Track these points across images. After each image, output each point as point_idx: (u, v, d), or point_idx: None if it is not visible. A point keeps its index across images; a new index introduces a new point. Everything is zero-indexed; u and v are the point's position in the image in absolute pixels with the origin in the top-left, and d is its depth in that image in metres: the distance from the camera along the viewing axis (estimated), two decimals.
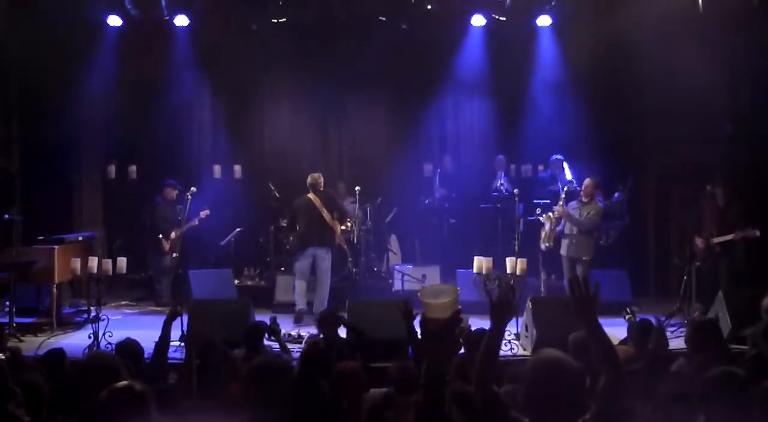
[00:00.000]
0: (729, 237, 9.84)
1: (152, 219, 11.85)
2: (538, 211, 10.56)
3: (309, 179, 10.61)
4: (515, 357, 8.24)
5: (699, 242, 10.23)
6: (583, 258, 10.21)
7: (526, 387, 3.27)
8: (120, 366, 4.36)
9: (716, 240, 9.96)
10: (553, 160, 12.42)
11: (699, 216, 10.44)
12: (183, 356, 8.10)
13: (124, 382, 3.87)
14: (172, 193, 11.85)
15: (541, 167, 13.13)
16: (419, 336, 3.14)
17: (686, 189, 12.09)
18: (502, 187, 12.49)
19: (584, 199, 10.44)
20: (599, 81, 12.33)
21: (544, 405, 3.21)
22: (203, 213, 11.70)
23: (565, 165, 12.19)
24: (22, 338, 8.96)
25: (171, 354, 8.07)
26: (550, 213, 10.49)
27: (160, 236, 11.55)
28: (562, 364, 3.29)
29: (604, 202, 10.92)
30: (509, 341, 8.60)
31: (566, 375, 3.23)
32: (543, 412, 3.20)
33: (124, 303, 11.67)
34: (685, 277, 10.02)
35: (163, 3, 12.11)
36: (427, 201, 12.82)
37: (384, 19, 12.78)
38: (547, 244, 10.49)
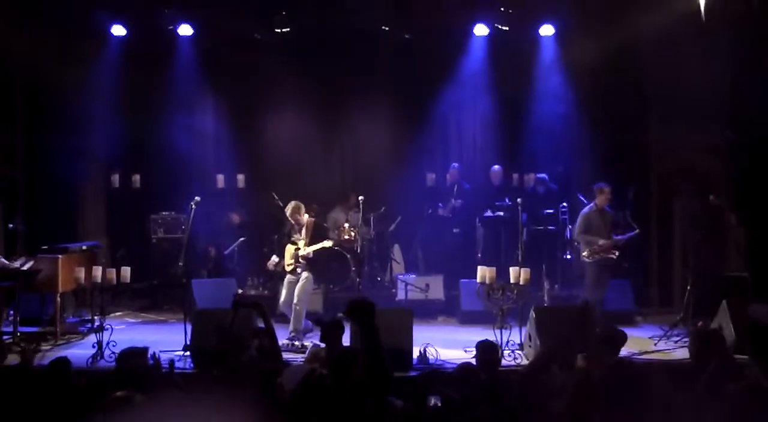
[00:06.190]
0: None
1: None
2: (585, 253, 10.22)
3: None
4: (519, 368, 8.20)
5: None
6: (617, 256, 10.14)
7: None
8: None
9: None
10: (538, 178, 12.52)
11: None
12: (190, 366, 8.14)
13: (123, 392, 3.89)
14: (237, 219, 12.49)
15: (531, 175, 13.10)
16: None
17: (689, 197, 12.09)
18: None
19: (603, 208, 10.27)
20: (602, 89, 12.35)
21: None
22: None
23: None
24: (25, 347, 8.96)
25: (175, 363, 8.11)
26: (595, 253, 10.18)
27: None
28: None
29: (613, 211, 10.81)
30: (513, 351, 8.59)
31: None
32: None
33: (128, 312, 11.70)
34: (688, 287, 10.00)
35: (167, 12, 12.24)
36: (430, 210, 12.81)
37: (387, 28, 12.82)
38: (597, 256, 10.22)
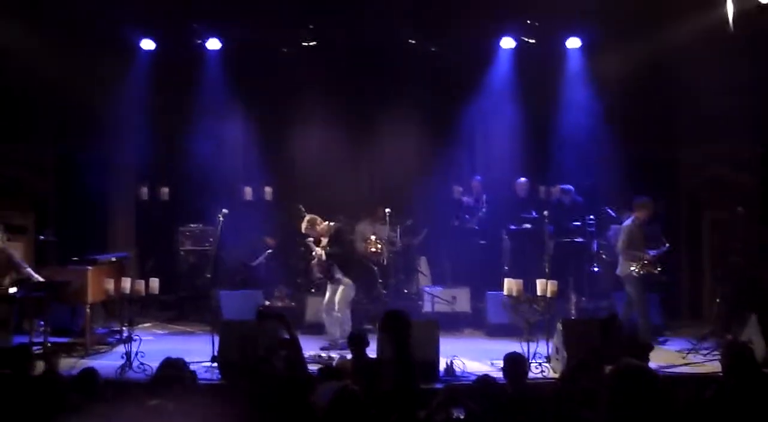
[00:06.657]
0: None
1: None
2: (634, 267, 10.19)
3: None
4: (546, 380, 8.17)
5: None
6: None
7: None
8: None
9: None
10: (563, 189, 12.46)
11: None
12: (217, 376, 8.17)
13: (156, 401, 3.93)
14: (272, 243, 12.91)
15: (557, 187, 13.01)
16: None
17: (717, 210, 11.98)
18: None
19: (643, 222, 10.22)
20: (629, 102, 12.29)
21: None
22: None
23: None
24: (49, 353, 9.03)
25: (201, 375, 8.15)
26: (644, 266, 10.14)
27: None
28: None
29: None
30: (540, 363, 8.55)
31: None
32: None
33: (156, 323, 11.77)
34: (718, 300, 9.90)
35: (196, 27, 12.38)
36: (457, 222, 12.79)
37: (413, 42, 12.85)
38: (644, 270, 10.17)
